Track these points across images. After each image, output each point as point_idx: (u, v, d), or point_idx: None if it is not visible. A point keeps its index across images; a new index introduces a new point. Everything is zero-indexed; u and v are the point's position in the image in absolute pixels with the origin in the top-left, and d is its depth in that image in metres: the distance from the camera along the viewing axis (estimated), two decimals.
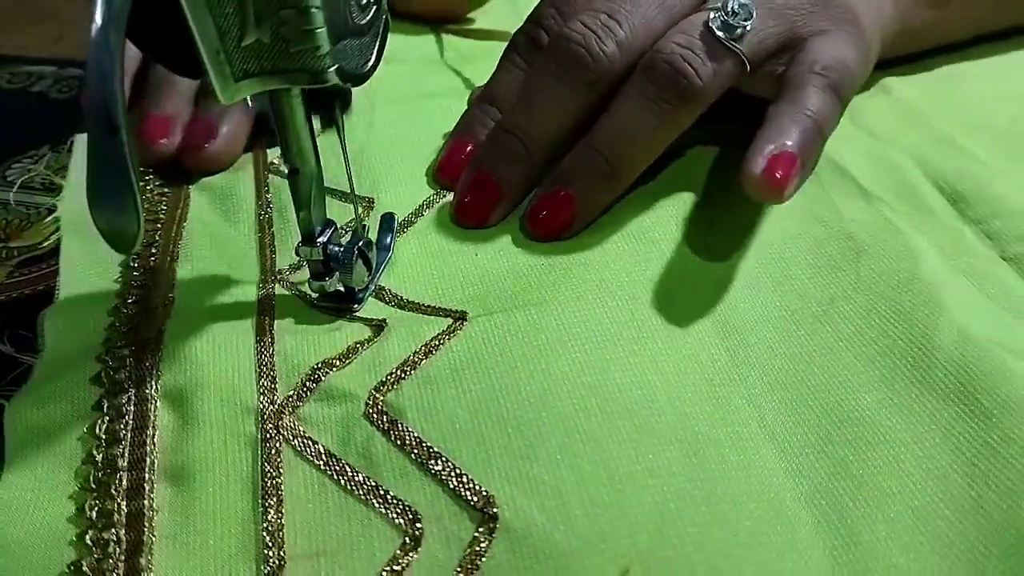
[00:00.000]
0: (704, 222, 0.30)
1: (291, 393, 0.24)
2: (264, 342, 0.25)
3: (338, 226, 0.26)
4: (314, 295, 0.27)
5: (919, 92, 0.39)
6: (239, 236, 0.31)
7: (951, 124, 0.36)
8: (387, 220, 0.30)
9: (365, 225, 0.27)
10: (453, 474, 0.21)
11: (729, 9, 0.27)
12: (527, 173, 0.30)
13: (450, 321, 0.26)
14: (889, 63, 0.39)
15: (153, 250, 0.30)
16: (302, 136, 0.23)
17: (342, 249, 0.25)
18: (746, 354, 0.25)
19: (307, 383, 0.24)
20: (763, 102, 0.29)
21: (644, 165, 0.30)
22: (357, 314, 0.27)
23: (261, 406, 0.23)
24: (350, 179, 0.27)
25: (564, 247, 0.29)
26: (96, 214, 0.19)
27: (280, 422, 0.23)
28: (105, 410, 0.24)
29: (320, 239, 0.25)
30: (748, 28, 0.28)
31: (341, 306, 0.27)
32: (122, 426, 0.23)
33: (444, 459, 0.22)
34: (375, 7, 0.23)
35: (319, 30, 0.20)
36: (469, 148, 0.32)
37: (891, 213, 0.31)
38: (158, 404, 0.24)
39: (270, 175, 0.34)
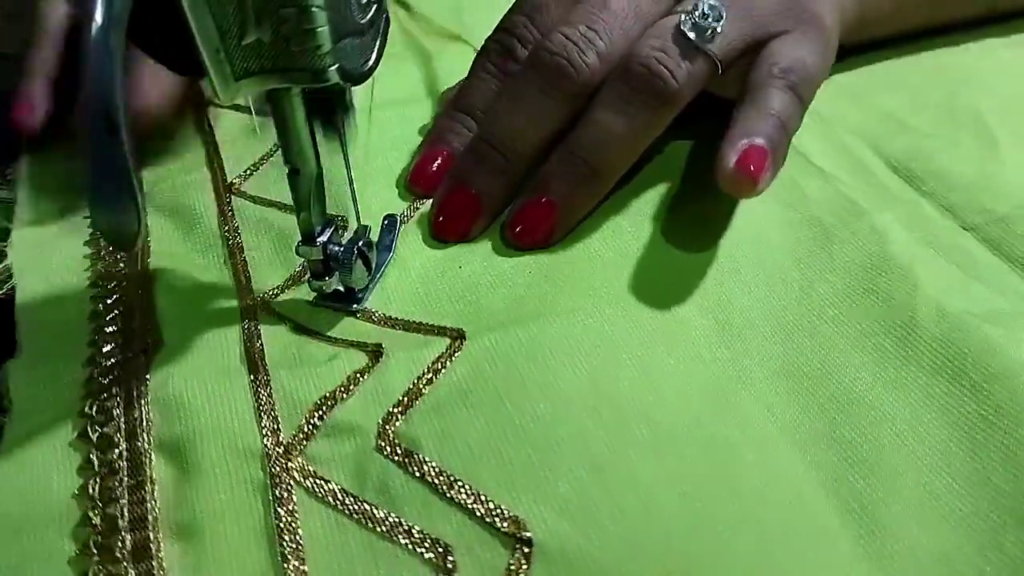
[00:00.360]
0: (679, 215, 0.30)
1: (296, 432, 0.23)
2: (259, 379, 0.24)
3: (338, 226, 0.26)
4: (314, 295, 0.27)
5: (855, 74, 0.40)
6: (210, 265, 0.30)
7: (892, 102, 0.37)
8: (389, 220, 0.30)
9: (366, 226, 0.27)
10: (479, 500, 0.21)
11: (699, 12, 0.28)
12: (508, 185, 0.30)
13: (448, 341, 0.25)
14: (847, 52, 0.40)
15: (120, 289, 0.28)
16: (302, 136, 0.23)
17: (342, 249, 0.25)
18: (743, 346, 0.26)
19: (312, 420, 0.23)
20: (728, 102, 0.29)
21: (624, 168, 0.30)
22: (352, 339, 0.26)
23: (266, 449, 0.22)
24: (352, 191, 0.27)
25: (546, 252, 0.29)
26: (96, 213, 0.19)
27: (288, 464, 0.22)
28: (96, 468, 0.22)
29: (320, 239, 0.25)
30: (719, 30, 0.28)
31: (342, 305, 0.27)
32: (117, 483, 0.22)
33: (467, 486, 0.21)
34: (375, 6, 0.23)
35: (320, 29, 0.20)
36: (441, 158, 0.31)
37: (851, 192, 0.31)
38: (153, 457, 0.23)
39: (232, 197, 0.32)
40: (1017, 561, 0.20)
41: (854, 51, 0.41)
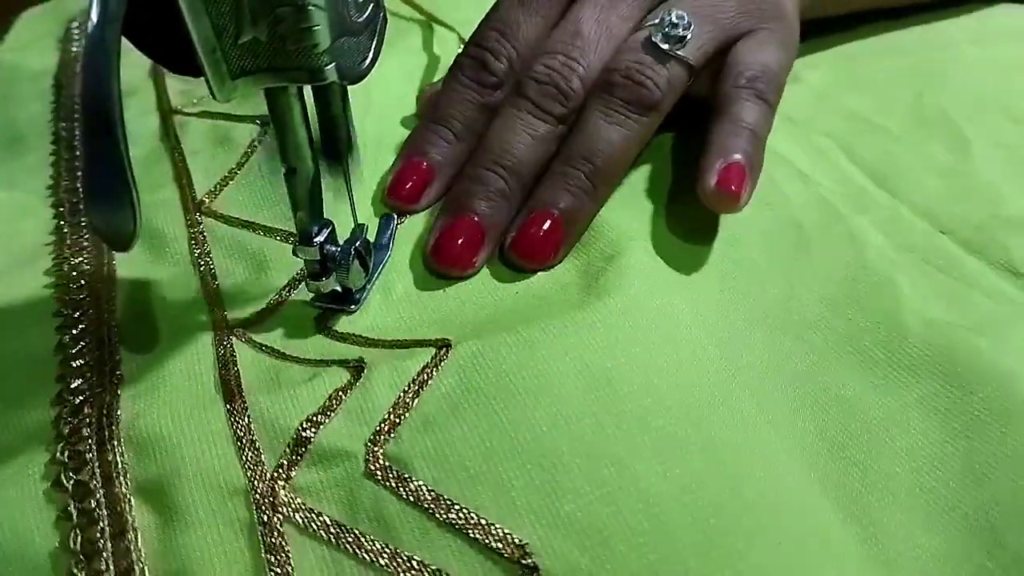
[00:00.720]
0: (657, 215, 0.30)
1: (280, 462, 0.22)
2: (236, 407, 0.23)
3: (335, 226, 0.25)
4: (311, 295, 0.27)
5: (822, 74, 0.39)
6: (181, 293, 0.28)
7: (861, 104, 0.37)
8: (385, 220, 0.29)
9: (363, 225, 0.26)
10: (479, 526, 0.20)
11: (667, 22, 0.29)
12: (510, 210, 0.29)
13: (433, 351, 0.24)
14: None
15: (87, 318, 0.27)
16: (299, 135, 0.23)
17: (339, 249, 0.25)
18: (733, 346, 0.25)
19: (295, 447, 0.22)
20: (699, 102, 0.31)
21: (620, 175, 0.31)
22: (331, 357, 0.25)
23: (250, 484, 0.21)
24: (350, 192, 0.26)
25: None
26: (93, 213, 0.19)
27: (275, 499, 0.21)
28: (75, 519, 0.21)
29: (317, 239, 0.25)
30: (688, 36, 0.29)
31: (340, 306, 0.27)
32: (98, 534, 0.21)
33: (466, 510, 0.20)
34: (372, 5, 0.22)
35: (316, 28, 0.20)
36: (419, 171, 0.31)
37: (829, 195, 0.31)
38: (132, 502, 0.21)
39: (202, 217, 0.30)
40: (1020, 557, 0.20)
41: (813, 49, 0.41)
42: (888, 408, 0.24)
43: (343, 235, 0.26)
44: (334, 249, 0.25)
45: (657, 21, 0.30)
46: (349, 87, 0.23)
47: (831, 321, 0.26)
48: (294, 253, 0.25)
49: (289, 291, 0.27)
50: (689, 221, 0.29)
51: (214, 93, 0.20)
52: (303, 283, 0.27)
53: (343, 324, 0.26)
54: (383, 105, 0.36)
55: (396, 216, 0.30)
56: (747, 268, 0.28)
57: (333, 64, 0.20)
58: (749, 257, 0.28)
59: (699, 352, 0.24)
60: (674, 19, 0.29)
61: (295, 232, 0.29)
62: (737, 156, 0.28)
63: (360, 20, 0.22)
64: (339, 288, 0.26)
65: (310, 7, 0.19)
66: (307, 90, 0.23)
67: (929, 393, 0.24)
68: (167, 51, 0.21)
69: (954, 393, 0.23)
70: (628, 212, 0.30)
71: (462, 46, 0.39)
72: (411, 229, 0.29)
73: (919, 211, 0.31)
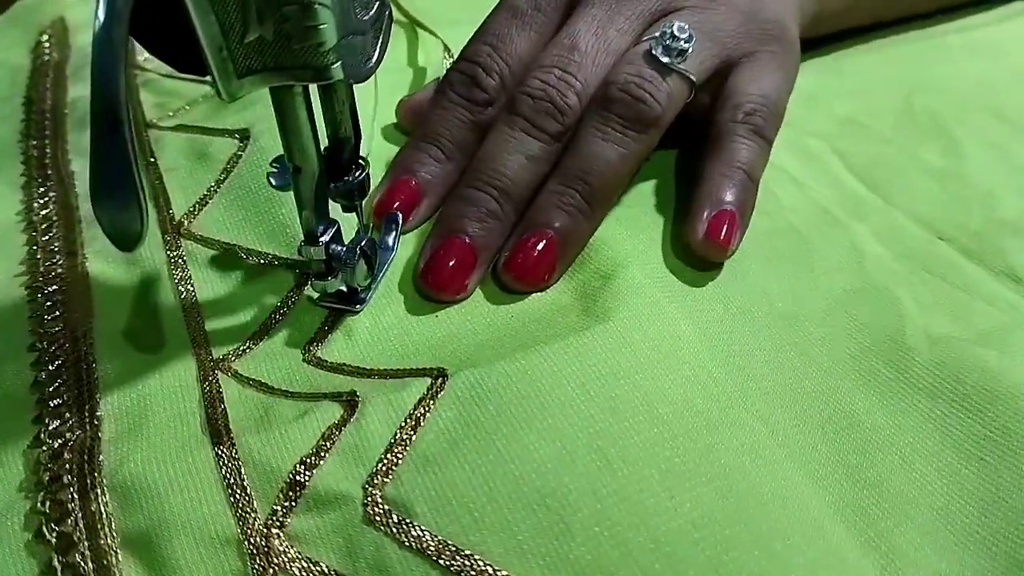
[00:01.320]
0: (655, 231, 0.29)
1: (273, 508, 0.21)
2: (225, 450, 0.22)
3: (340, 226, 0.25)
4: (316, 295, 0.27)
5: (810, 77, 0.38)
6: (161, 323, 0.27)
7: (851, 106, 0.37)
8: (390, 219, 0.29)
9: (368, 225, 0.26)
10: (486, 573, 0.19)
11: (668, 35, 0.28)
12: (503, 232, 0.28)
13: (429, 381, 0.23)
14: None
15: (63, 352, 0.26)
16: (304, 134, 0.23)
17: (344, 249, 0.25)
18: (737, 364, 0.25)
19: (289, 492, 0.21)
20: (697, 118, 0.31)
21: (616, 195, 0.30)
22: (323, 390, 0.24)
23: (243, 533, 0.20)
24: (361, 218, 0.27)
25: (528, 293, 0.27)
26: (99, 212, 0.19)
27: (270, 547, 0.20)
28: (60, 574, 0.20)
29: (323, 239, 0.25)
30: (689, 51, 0.28)
31: (345, 306, 0.27)
32: None
33: (472, 558, 0.19)
34: (378, 3, 0.22)
35: (322, 26, 0.20)
36: (407, 189, 0.29)
37: (825, 201, 0.31)
38: (119, 556, 0.20)
39: (181, 240, 0.29)
40: None
41: (804, 52, 0.40)
42: (901, 429, 0.23)
43: (348, 235, 0.26)
44: (340, 248, 0.25)
45: (658, 34, 0.29)
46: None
47: (837, 338, 0.26)
48: (299, 253, 0.25)
49: (274, 319, 0.26)
50: (680, 227, 0.29)
51: (220, 92, 0.20)
52: (290, 308, 0.27)
53: (333, 353, 0.25)
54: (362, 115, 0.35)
55: (401, 215, 0.29)
56: (750, 283, 0.27)
57: (339, 63, 0.20)
58: (751, 271, 0.28)
59: (704, 375, 0.23)
60: (676, 32, 0.28)
61: (279, 256, 0.28)
62: (728, 200, 0.28)
63: (366, 19, 0.22)
64: (344, 288, 0.26)
65: (316, 5, 0.19)
66: (313, 90, 0.23)
67: (941, 414, 0.23)
68: (173, 50, 0.21)
69: (966, 414, 0.23)
70: (625, 228, 0.29)
71: (446, 52, 0.38)
72: (401, 253, 0.29)
73: (915, 217, 0.30)
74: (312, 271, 0.26)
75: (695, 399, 0.22)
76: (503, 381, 0.22)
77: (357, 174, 0.25)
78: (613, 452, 0.21)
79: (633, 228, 0.29)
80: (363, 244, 0.25)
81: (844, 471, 0.22)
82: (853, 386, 0.24)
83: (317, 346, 0.26)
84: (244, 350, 0.25)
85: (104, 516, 0.21)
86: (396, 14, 0.43)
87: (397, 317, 0.26)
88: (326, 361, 0.25)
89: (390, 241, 0.28)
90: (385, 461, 0.21)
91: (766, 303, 0.27)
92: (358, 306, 0.26)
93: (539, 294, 0.27)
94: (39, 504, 0.21)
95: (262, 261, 0.28)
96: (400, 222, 0.29)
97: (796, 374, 0.25)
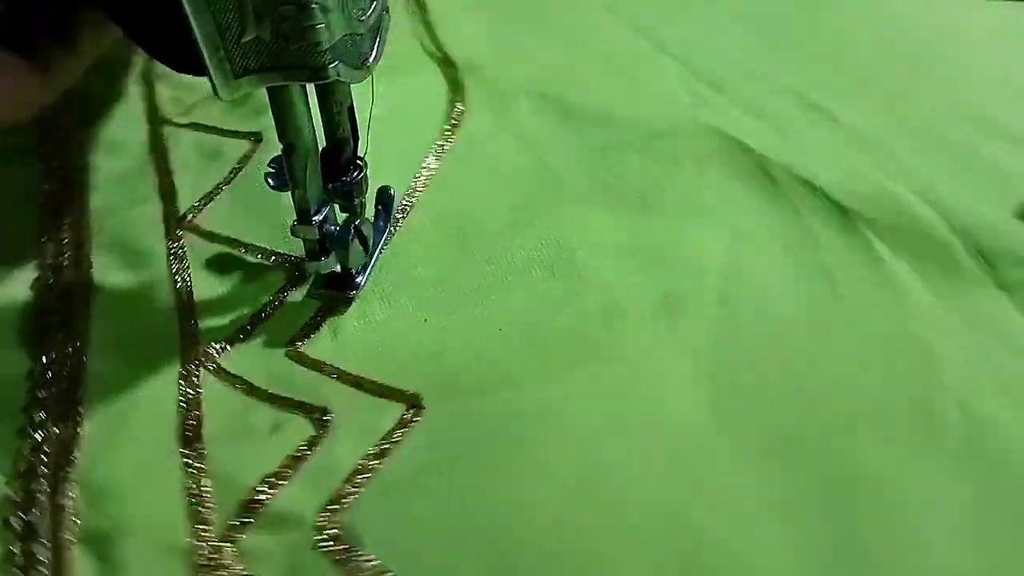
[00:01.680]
0: (669, 256, 0.28)
1: (230, 522, 0.21)
2: (194, 459, 0.22)
3: (333, 206, 0.25)
4: (309, 286, 0.27)
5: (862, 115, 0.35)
6: (156, 316, 0.27)
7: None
8: (384, 195, 0.28)
9: (362, 203, 0.26)
10: None
11: None
12: None
13: (403, 408, 0.23)
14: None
15: (59, 343, 0.26)
16: (297, 111, 0.22)
17: (338, 228, 0.25)
18: (733, 406, 0.23)
19: (248, 508, 0.21)
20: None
21: None
22: (300, 399, 0.23)
23: (193, 544, 0.20)
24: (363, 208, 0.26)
25: (521, 309, 0.26)
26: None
27: (218, 561, 0.20)
28: (17, 563, 0.21)
29: (316, 218, 0.24)
30: None
31: (338, 295, 0.26)
32: None
33: None
34: (375, 3, 0.22)
35: (319, 26, 0.19)
36: None
37: (868, 232, 0.29)
38: (75, 552, 0.21)
39: (184, 232, 0.30)
40: None
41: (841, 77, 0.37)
42: (916, 492, 0.21)
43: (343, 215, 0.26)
44: (333, 228, 0.25)
45: None
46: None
47: (856, 387, 0.24)
48: (292, 233, 0.25)
49: (263, 314, 0.26)
50: (701, 256, 0.28)
51: (217, 92, 0.20)
52: (281, 303, 0.27)
53: (318, 351, 0.25)
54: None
55: (393, 189, 0.28)
56: (769, 319, 0.26)
57: (336, 63, 0.20)
58: (770, 308, 0.26)
59: (691, 419, 0.22)
60: None
61: (279, 251, 0.28)
62: None
63: (363, 19, 0.22)
64: (339, 269, 0.26)
65: (313, 6, 0.19)
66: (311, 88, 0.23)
67: (963, 479, 0.21)
68: (171, 50, 0.21)
69: (997, 486, 0.21)
70: (621, 259, 0.28)
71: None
72: (393, 252, 0.28)
73: (978, 251, 0.28)
74: (305, 252, 0.25)
75: (679, 452, 0.22)
76: (478, 418, 0.22)
77: (355, 174, 0.25)
78: (580, 507, 0.20)
79: (632, 257, 0.28)
80: (357, 223, 0.25)
81: (834, 534, 0.20)
82: (867, 446, 0.22)
83: (303, 342, 0.25)
84: (230, 344, 0.25)
85: (70, 511, 0.21)
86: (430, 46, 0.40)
87: (387, 316, 0.26)
88: (311, 358, 0.25)
89: (384, 220, 0.28)
90: (346, 488, 0.21)
91: (789, 347, 0.25)
92: (352, 292, 0.26)
93: (535, 309, 0.26)
94: (11, 493, 0.22)
95: (260, 256, 0.28)
96: (393, 197, 0.28)
97: (802, 423, 0.23)
